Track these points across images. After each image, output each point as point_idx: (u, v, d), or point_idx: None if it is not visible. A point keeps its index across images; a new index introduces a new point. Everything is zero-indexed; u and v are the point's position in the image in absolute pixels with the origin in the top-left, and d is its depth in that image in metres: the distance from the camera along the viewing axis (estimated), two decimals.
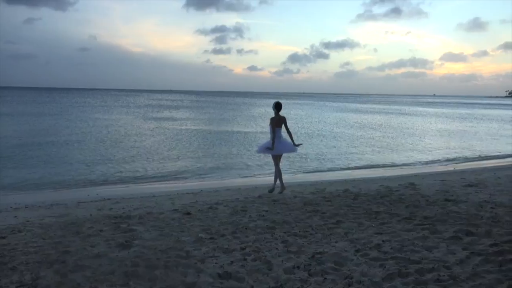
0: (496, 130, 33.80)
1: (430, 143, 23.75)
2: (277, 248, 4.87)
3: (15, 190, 10.74)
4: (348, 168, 15.20)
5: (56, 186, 11.43)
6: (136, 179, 12.64)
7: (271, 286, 3.86)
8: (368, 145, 22.11)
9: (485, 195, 7.77)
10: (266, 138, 21.94)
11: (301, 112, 52.78)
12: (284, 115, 8.58)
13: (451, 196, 7.71)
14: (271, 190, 8.59)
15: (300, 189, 9.04)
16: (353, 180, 11.17)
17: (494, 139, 26.71)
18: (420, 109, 78.88)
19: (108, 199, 9.01)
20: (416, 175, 11.92)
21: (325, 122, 39.00)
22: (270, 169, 14.10)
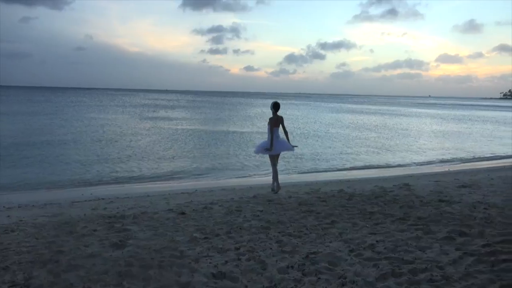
0: (490, 131, 34.00)
1: (425, 144, 23.86)
2: (271, 248, 4.88)
3: (8, 189, 10.68)
4: (343, 169, 15.24)
5: (50, 186, 11.37)
6: (130, 179, 12.61)
7: (265, 286, 3.86)
8: (363, 145, 22.18)
9: (479, 196, 7.82)
10: (262, 138, 21.92)
11: (297, 113, 52.85)
12: (281, 115, 8.62)
13: (445, 197, 7.75)
14: (273, 189, 8.70)
15: (295, 189, 9.05)
16: (348, 181, 11.20)
17: (489, 140, 26.87)
18: (416, 110, 79.22)
19: (102, 198, 8.98)
20: (410, 176, 11.97)
21: (320, 122, 39.08)
22: (265, 169, 14.13)
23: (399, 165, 16.29)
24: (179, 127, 30.74)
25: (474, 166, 15.89)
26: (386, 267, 4.20)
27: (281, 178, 8.76)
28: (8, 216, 7.06)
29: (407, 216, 6.30)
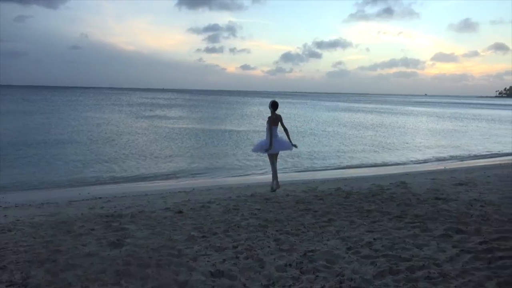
0: (486, 129, 34.15)
1: (421, 142, 23.94)
2: (269, 246, 4.88)
3: (5, 189, 10.63)
4: (340, 167, 15.27)
5: (47, 185, 11.33)
6: (128, 178, 12.58)
7: (263, 284, 3.87)
8: (360, 144, 22.23)
9: (475, 194, 7.85)
10: (258, 136, 21.90)
11: (293, 111, 52.88)
12: (279, 114, 8.62)
13: (442, 195, 7.78)
14: (272, 187, 8.70)
15: (292, 188, 9.06)
16: (345, 179, 11.22)
17: (485, 138, 26.99)
18: (412, 108, 79.43)
19: (100, 197, 8.95)
20: (407, 174, 12.01)
21: (317, 121, 39.11)
22: (262, 168, 14.14)
23: (396, 163, 16.34)
24: (175, 126, 30.69)
25: (470, 164, 15.96)
26: (384, 265, 4.22)
27: (278, 176, 8.79)
28: (5, 215, 7.03)
29: (404, 214, 6.32)
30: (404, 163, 16.44)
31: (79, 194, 9.79)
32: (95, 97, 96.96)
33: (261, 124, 32.12)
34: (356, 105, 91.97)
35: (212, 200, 7.69)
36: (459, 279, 3.88)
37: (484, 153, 19.88)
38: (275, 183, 8.68)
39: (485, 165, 14.75)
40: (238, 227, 5.76)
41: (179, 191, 9.59)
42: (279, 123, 8.47)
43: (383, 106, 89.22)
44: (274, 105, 8.50)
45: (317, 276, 4.01)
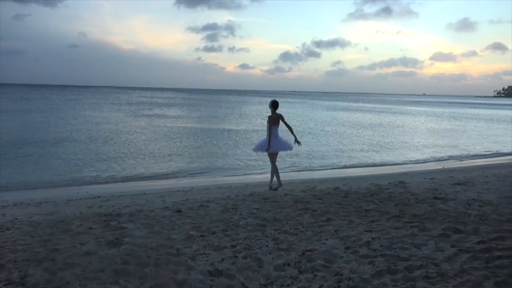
0: (484, 129, 34.22)
1: (420, 141, 23.98)
2: (267, 246, 4.88)
3: (2, 187, 10.61)
4: (339, 167, 15.29)
5: (45, 184, 11.32)
6: (126, 177, 12.58)
7: (261, 283, 3.87)
8: (359, 143, 22.25)
9: (473, 194, 7.87)
10: (257, 135, 21.88)
11: (292, 111, 52.86)
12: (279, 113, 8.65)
13: (440, 194, 7.79)
14: (271, 187, 8.71)
15: (290, 187, 9.06)
16: (344, 178, 11.23)
17: (483, 138, 27.05)
18: (410, 108, 79.54)
19: (98, 196, 8.95)
20: (405, 174, 12.03)
21: (316, 120, 39.13)
22: (261, 168, 14.15)
23: (394, 163, 16.37)
24: (174, 125, 30.67)
25: (468, 163, 15.99)
26: (382, 264, 4.22)
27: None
28: (3, 214, 7.03)
29: (402, 214, 6.33)
30: (402, 163, 16.47)
31: (78, 193, 9.79)
32: (93, 96, 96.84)
33: (260, 124, 32.11)
34: (354, 104, 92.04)
35: (211, 199, 7.69)
36: (457, 278, 3.88)
37: (483, 153, 19.93)
38: (277, 182, 8.69)
39: (483, 164, 14.78)
40: (236, 226, 5.76)
41: (177, 190, 9.59)
42: (280, 122, 8.48)
43: (382, 105, 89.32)
44: (274, 105, 8.51)
45: (315, 275, 4.02)
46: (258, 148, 8.87)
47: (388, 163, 16.31)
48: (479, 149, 21.17)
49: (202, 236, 5.29)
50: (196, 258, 4.48)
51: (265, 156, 9.28)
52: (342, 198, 7.59)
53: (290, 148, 8.78)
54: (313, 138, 24.14)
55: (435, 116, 53.58)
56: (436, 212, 6.38)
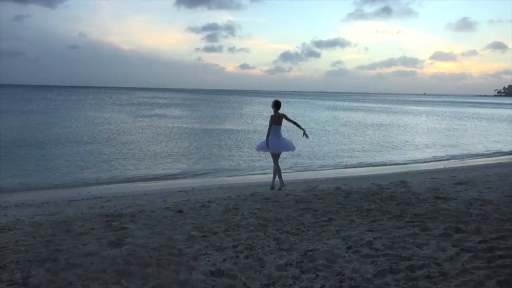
0: (485, 128, 34.19)
1: (420, 141, 23.96)
2: (269, 246, 4.89)
3: (5, 188, 10.62)
4: (340, 166, 15.29)
5: (46, 185, 11.32)
6: (127, 177, 12.58)
7: (263, 283, 3.87)
8: (360, 143, 22.25)
9: (475, 193, 7.86)
10: (257, 135, 21.87)
11: (293, 111, 52.86)
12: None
13: (441, 194, 7.78)
14: (272, 187, 8.77)
15: (292, 187, 9.07)
16: (345, 178, 11.23)
17: (484, 137, 27.02)
18: (411, 107, 79.49)
19: (100, 197, 8.96)
20: (407, 173, 12.02)
21: (316, 120, 39.11)
22: (262, 168, 14.15)
23: (395, 163, 16.36)
24: (175, 125, 30.68)
25: (469, 163, 15.98)
26: (384, 264, 4.22)
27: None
28: (5, 215, 7.04)
29: (404, 213, 6.33)
30: (403, 163, 16.46)
31: (79, 193, 9.80)
32: (94, 96, 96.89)
33: (260, 124, 32.12)
34: (355, 104, 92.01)
35: (212, 200, 7.69)
36: (459, 278, 3.88)
37: (484, 152, 19.91)
38: (279, 182, 8.76)
39: (484, 164, 14.77)
40: (238, 226, 5.76)
41: (179, 191, 9.60)
42: (284, 121, 8.58)
43: (382, 105, 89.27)
44: (277, 105, 8.63)
45: (317, 275, 4.02)
46: (261, 147, 8.95)
47: (389, 163, 16.30)
48: (480, 148, 21.15)
49: (203, 236, 5.30)
50: (198, 258, 4.48)
51: (265, 157, 9.31)
52: (344, 198, 7.59)
53: (293, 148, 8.91)
54: (314, 138, 24.12)
55: (436, 115, 53.55)
56: (438, 211, 6.38)
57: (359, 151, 19.29)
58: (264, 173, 13.12)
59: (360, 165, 15.65)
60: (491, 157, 18.39)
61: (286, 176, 12.48)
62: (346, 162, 16.26)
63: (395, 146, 21.57)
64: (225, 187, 10.00)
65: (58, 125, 27.54)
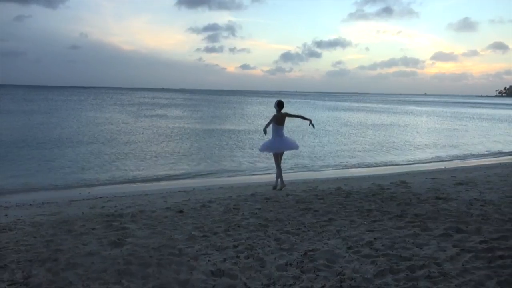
0: (486, 128, 34.15)
1: (421, 141, 23.95)
2: (269, 246, 4.89)
3: (5, 188, 10.63)
4: (340, 167, 15.28)
5: (47, 185, 11.33)
6: (128, 178, 12.58)
7: (264, 283, 3.88)
8: (360, 143, 22.23)
9: (475, 193, 7.86)
10: (258, 136, 21.84)
11: (294, 111, 52.83)
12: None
13: (442, 194, 7.78)
14: (275, 186, 8.84)
15: (292, 187, 9.07)
16: (345, 178, 11.23)
17: (485, 137, 26.99)
18: (412, 108, 79.43)
19: (100, 197, 8.97)
20: (407, 174, 12.02)
21: (317, 120, 39.08)
22: (262, 168, 14.15)
23: (396, 163, 16.35)
24: (176, 125, 30.69)
25: (470, 163, 15.98)
26: (384, 264, 4.22)
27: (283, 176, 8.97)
28: (6, 215, 7.04)
29: (404, 213, 6.33)
30: (404, 163, 16.45)
31: (80, 193, 9.81)
32: (95, 96, 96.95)
33: (261, 124, 32.13)
34: (356, 104, 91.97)
35: (213, 200, 7.70)
36: (460, 278, 3.88)
37: (484, 153, 19.89)
38: (280, 182, 8.79)
39: (485, 164, 14.76)
40: (238, 226, 5.76)
41: (179, 191, 9.61)
42: (288, 118, 8.68)
43: (383, 105, 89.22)
44: (280, 105, 8.78)
45: (317, 275, 4.02)
46: (264, 148, 9.06)
47: (390, 163, 16.29)
48: (481, 149, 21.13)
49: (204, 236, 5.30)
50: (198, 258, 4.49)
51: (266, 157, 9.33)
52: (344, 198, 7.59)
53: (296, 147, 9.04)
54: (314, 138, 24.13)
55: (437, 115, 53.51)
56: (438, 212, 6.38)
57: (360, 151, 19.28)
58: (265, 173, 13.13)
59: (360, 165, 15.64)
60: (492, 157, 18.37)
61: (287, 176, 12.47)
62: (347, 162, 16.25)
63: (395, 146, 21.55)
64: (226, 187, 10.01)
65: (59, 125, 27.56)
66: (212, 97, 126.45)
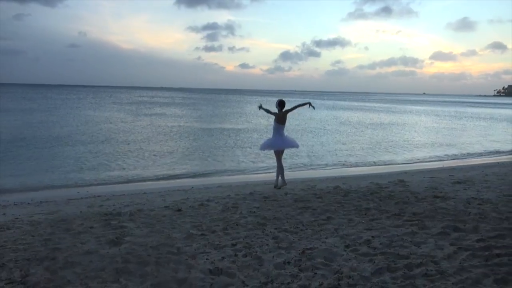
0: (484, 128, 34.21)
1: (419, 140, 23.97)
2: (267, 244, 4.90)
3: (3, 187, 10.62)
4: (339, 165, 15.29)
5: (45, 184, 11.32)
6: (126, 176, 12.58)
7: (262, 282, 3.89)
8: (359, 142, 22.25)
9: (473, 192, 7.88)
10: (257, 134, 21.88)
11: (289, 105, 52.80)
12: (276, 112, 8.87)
13: (440, 193, 7.80)
14: (276, 185, 8.89)
15: (291, 186, 9.08)
16: (344, 177, 11.25)
17: (483, 137, 27.04)
18: (410, 107, 79.48)
19: (98, 196, 8.97)
20: (405, 172, 12.03)
21: (316, 119, 39.10)
22: (261, 167, 14.16)
23: (394, 162, 16.37)
24: (175, 124, 30.67)
25: (468, 162, 16.00)
26: (382, 262, 4.24)
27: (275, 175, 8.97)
28: (4, 214, 7.05)
29: (402, 212, 6.34)
30: (402, 162, 16.46)
31: (78, 192, 9.80)
32: (94, 95, 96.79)
33: (260, 123, 32.16)
34: (355, 103, 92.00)
35: (211, 199, 7.70)
36: (457, 276, 3.90)
37: (482, 152, 19.93)
38: (281, 181, 8.83)
39: (483, 163, 14.79)
40: (237, 225, 5.77)
41: (177, 190, 9.61)
42: (290, 112, 8.77)
43: (382, 104, 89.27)
44: (281, 104, 8.92)
45: (315, 273, 4.03)
46: (265, 146, 9.14)
47: (388, 162, 16.31)
48: (479, 148, 21.17)
49: (202, 235, 5.31)
50: (197, 256, 4.49)
51: (265, 156, 9.34)
52: (342, 197, 7.61)
53: (296, 145, 9.14)
54: (313, 137, 24.14)
55: (435, 115, 53.57)
56: (436, 210, 6.40)
57: (358, 150, 19.29)
58: (263, 172, 13.14)
59: (359, 164, 15.66)
60: (489, 156, 18.41)
61: (286, 175, 12.50)
62: (345, 161, 16.27)
63: (394, 145, 21.57)
64: (224, 186, 10.02)
65: (58, 124, 27.52)
66: (211, 96, 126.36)
